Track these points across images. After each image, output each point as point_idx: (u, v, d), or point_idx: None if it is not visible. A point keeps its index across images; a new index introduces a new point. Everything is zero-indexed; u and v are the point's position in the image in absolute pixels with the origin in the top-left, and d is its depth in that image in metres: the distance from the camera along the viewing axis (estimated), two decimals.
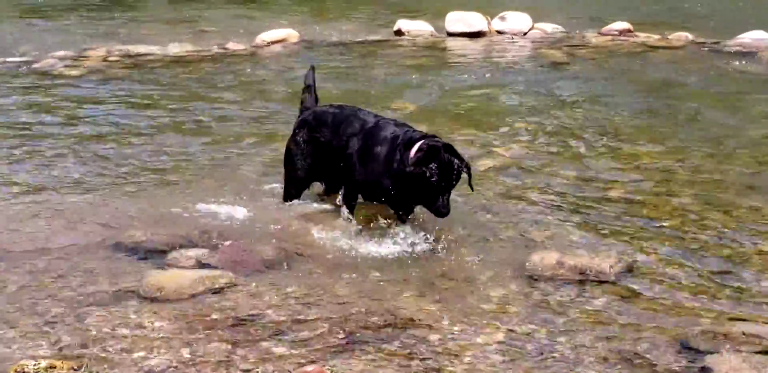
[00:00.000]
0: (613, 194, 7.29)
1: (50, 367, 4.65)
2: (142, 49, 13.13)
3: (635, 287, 5.68)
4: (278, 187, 7.09)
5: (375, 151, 6.37)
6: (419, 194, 6.15)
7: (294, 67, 11.99)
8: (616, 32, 14.15)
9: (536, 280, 5.78)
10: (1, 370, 4.62)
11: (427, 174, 6.01)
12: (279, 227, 6.57)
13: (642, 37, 13.95)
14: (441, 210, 6.14)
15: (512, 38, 14.20)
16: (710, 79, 11.38)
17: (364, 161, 6.42)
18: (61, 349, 4.92)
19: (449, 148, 6.14)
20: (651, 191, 7.34)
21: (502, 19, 14.58)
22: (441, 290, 5.66)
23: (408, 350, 4.92)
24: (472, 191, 6.38)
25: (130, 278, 5.79)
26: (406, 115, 9.69)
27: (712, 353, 4.83)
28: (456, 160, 6.09)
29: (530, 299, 5.55)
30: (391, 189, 6.29)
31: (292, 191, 6.97)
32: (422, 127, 8.98)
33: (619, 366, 4.78)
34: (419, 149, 6.09)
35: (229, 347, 4.95)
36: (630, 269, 5.87)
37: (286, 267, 6.00)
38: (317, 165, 6.82)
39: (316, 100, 7.21)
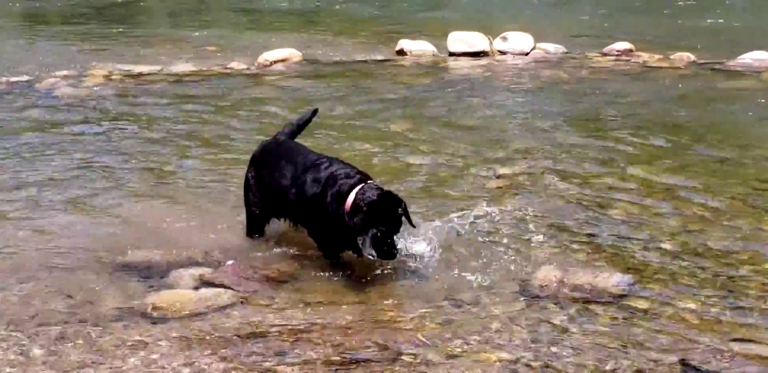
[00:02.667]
0: (614, 213, 7.28)
1: None
2: (144, 68, 13.18)
3: (637, 306, 5.66)
4: None
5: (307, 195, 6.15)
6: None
7: (296, 86, 12.02)
8: (618, 52, 14.20)
9: (538, 299, 5.77)
10: None
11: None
12: (280, 246, 6.57)
13: (644, 57, 14.00)
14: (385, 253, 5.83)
15: (514, 58, 14.24)
16: (712, 99, 11.40)
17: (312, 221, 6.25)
18: (63, 368, 4.91)
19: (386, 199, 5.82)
20: (653, 211, 7.33)
21: (504, 39, 14.64)
22: (443, 309, 5.64)
23: (410, 370, 4.91)
24: (414, 227, 6.12)
25: (132, 296, 5.79)
26: (406, 134, 9.72)
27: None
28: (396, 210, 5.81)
29: (532, 318, 5.53)
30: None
31: (251, 227, 6.79)
32: (424, 147, 9.12)
33: None
34: (357, 206, 5.78)
35: (231, 365, 4.94)
36: (632, 289, 5.86)
37: (287, 286, 6.00)
38: (269, 203, 6.63)
39: (292, 134, 6.93)
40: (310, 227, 6.35)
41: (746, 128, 9.91)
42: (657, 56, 13.94)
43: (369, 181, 5.99)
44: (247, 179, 6.79)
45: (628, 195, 7.68)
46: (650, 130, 9.87)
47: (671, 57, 13.78)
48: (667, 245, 6.61)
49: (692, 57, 13.64)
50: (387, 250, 5.79)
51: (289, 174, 6.36)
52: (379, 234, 5.74)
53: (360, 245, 5.85)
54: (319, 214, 6.11)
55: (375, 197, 5.78)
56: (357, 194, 5.84)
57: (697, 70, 13.15)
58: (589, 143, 9.35)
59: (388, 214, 5.79)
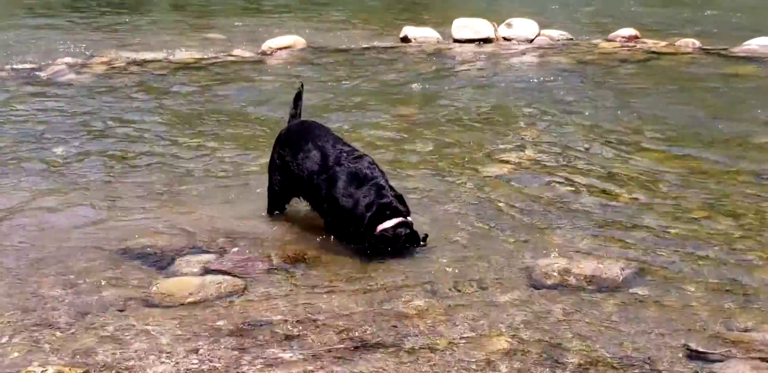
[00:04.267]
0: (620, 199, 7.28)
1: None
2: (148, 55, 13.17)
3: (642, 293, 5.66)
4: None
5: (344, 207, 6.30)
6: None
7: (300, 73, 12.01)
8: (623, 39, 14.17)
9: (543, 286, 5.77)
10: None
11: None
12: (286, 232, 6.57)
13: (649, 43, 13.97)
14: None
15: (519, 45, 14.21)
16: (717, 85, 11.39)
17: (335, 213, 6.39)
18: (68, 355, 4.92)
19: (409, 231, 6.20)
20: (658, 197, 7.33)
21: (509, 25, 14.61)
22: (448, 296, 5.65)
23: (415, 357, 4.91)
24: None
25: (138, 284, 5.79)
26: (411, 121, 9.71)
27: (720, 360, 4.83)
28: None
29: (537, 305, 5.53)
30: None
31: (272, 205, 6.96)
32: (429, 134, 9.11)
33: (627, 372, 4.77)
34: (386, 231, 6.15)
35: (237, 353, 4.95)
36: (637, 276, 5.86)
37: (293, 273, 6.01)
38: (290, 182, 6.76)
39: (294, 116, 7.16)
40: (330, 218, 6.45)
41: (752, 114, 9.89)
42: (662, 42, 13.90)
43: (408, 218, 6.25)
44: (272, 158, 6.91)
45: (634, 182, 7.68)
46: (657, 116, 9.86)
47: (677, 43, 13.75)
48: (672, 232, 6.61)
49: (697, 43, 13.61)
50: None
51: (317, 159, 6.47)
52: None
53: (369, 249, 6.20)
54: (347, 218, 6.29)
55: (403, 238, 6.15)
56: (393, 227, 6.14)
57: (702, 57, 13.13)
58: (594, 130, 9.34)
59: (406, 247, 6.21)
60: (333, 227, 6.45)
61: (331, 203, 6.34)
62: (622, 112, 10.04)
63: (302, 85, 7.35)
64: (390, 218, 6.16)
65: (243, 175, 7.92)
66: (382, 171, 6.44)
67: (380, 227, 6.13)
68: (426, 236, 6.27)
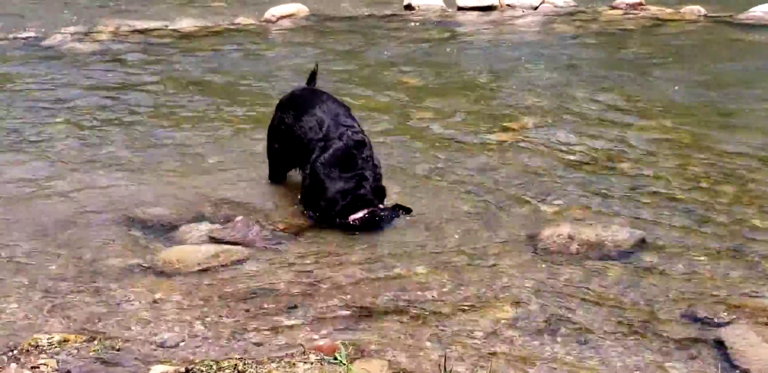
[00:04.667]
0: (624, 166, 7.26)
1: (63, 341, 4.67)
2: (150, 24, 13.10)
3: (647, 259, 5.67)
4: None
5: (323, 185, 6.28)
6: None
7: (303, 41, 11.96)
8: (627, 6, 14.07)
9: (548, 253, 5.77)
10: (15, 344, 4.64)
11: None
12: (290, 201, 6.57)
13: (653, 10, 13.87)
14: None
15: (523, 12, 14.13)
16: (723, 52, 11.33)
17: (313, 185, 6.36)
18: (74, 323, 4.93)
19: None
20: (663, 164, 7.31)
21: None
22: (452, 264, 5.65)
23: (419, 324, 4.92)
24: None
25: (143, 252, 5.81)
26: (416, 89, 9.68)
27: (725, 325, 4.84)
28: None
29: (542, 272, 5.54)
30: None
31: (272, 171, 6.93)
32: (433, 103, 9.08)
33: (632, 338, 4.77)
34: (355, 220, 6.16)
35: (242, 320, 4.96)
36: (642, 242, 5.85)
37: (297, 241, 6.01)
38: (288, 147, 6.67)
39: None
40: (307, 186, 6.42)
41: (758, 81, 9.85)
42: (667, 9, 13.81)
43: (380, 206, 6.25)
44: (272, 124, 6.85)
45: (639, 149, 7.66)
46: (662, 84, 9.81)
47: (681, 10, 13.66)
48: (677, 200, 6.60)
49: (702, 10, 13.51)
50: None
51: (322, 124, 6.39)
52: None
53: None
54: (320, 195, 6.29)
55: (372, 222, 6.16)
56: (361, 217, 6.16)
57: (708, 23, 13.04)
58: (599, 97, 9.29)
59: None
60: (307, 196, 6.43)
61: (314, 174, 6.29)
62: (627, 81, 10.00)
63: (317, 65, 7.21)
64: (361, 208, 6.15)
65: (246, 144, 7.90)
66: (375, 163, 6.38)
67: (351, 217, 6.15)
68: (410, 209, 6.23)
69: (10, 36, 12.27)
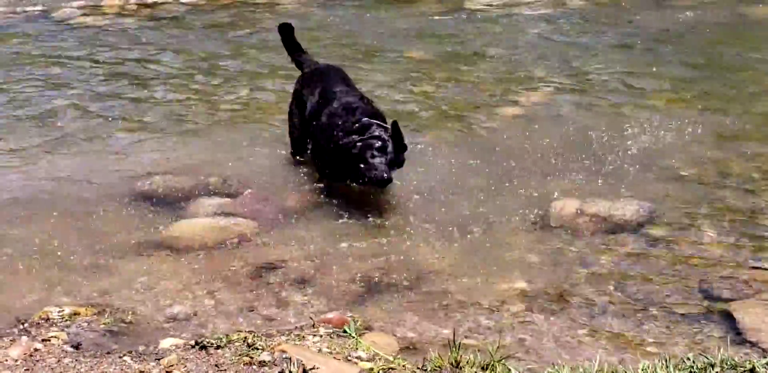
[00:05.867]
0: (633, 142, 7.23)
1: (74, 313, 4.70)
2: None
3: (656, 234, 5.67)
4: None
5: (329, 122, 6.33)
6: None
7: (310, 14, 11.90)
8: None
9: (556, 228, 5.77)
10: (26, 316, 4.67)
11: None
12: (301, 176, 6.57)
13: None
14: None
15: None
16: (731, 25, 11.21)
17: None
18: (84, 296, 4.96)
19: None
20: (672, 140, 7.28)
21: None
22: (461, 239, 5.65)
23: (428, 299, 4.94)
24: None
25: (152, 227, 5.82)
26: (422, 62, 9.63)
27: (733, 299, 4.85)
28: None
29: (550, 247, 5.54)
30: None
31: (294, 147, 6.88)
32: (440, 76, 9.04)
33: (640, 313, 4.79)
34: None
35: (250, 295, 4.98)
36: (651, 217, 5.85)
37: (306, 216, 6.01)
38: (307, 123, 6.66)
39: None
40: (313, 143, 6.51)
41: (764, 56, 9.77)
42: None
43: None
44: (292, 101, 6.89)
45: (649, 123, 7.62)
46: (674, 58, 9.73)
47: None
48: (686, 174, 6.59)
49: None
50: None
51: (329, 101, 6.44)
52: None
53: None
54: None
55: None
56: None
57: None
58: (610, 72, 9.23)
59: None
60: (314, 147, 6.49)
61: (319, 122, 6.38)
62: (636, 54, 9.92)
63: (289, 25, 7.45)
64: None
65: (257, 119, 7.88)
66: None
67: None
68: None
69: (18, 9, 12.23)
